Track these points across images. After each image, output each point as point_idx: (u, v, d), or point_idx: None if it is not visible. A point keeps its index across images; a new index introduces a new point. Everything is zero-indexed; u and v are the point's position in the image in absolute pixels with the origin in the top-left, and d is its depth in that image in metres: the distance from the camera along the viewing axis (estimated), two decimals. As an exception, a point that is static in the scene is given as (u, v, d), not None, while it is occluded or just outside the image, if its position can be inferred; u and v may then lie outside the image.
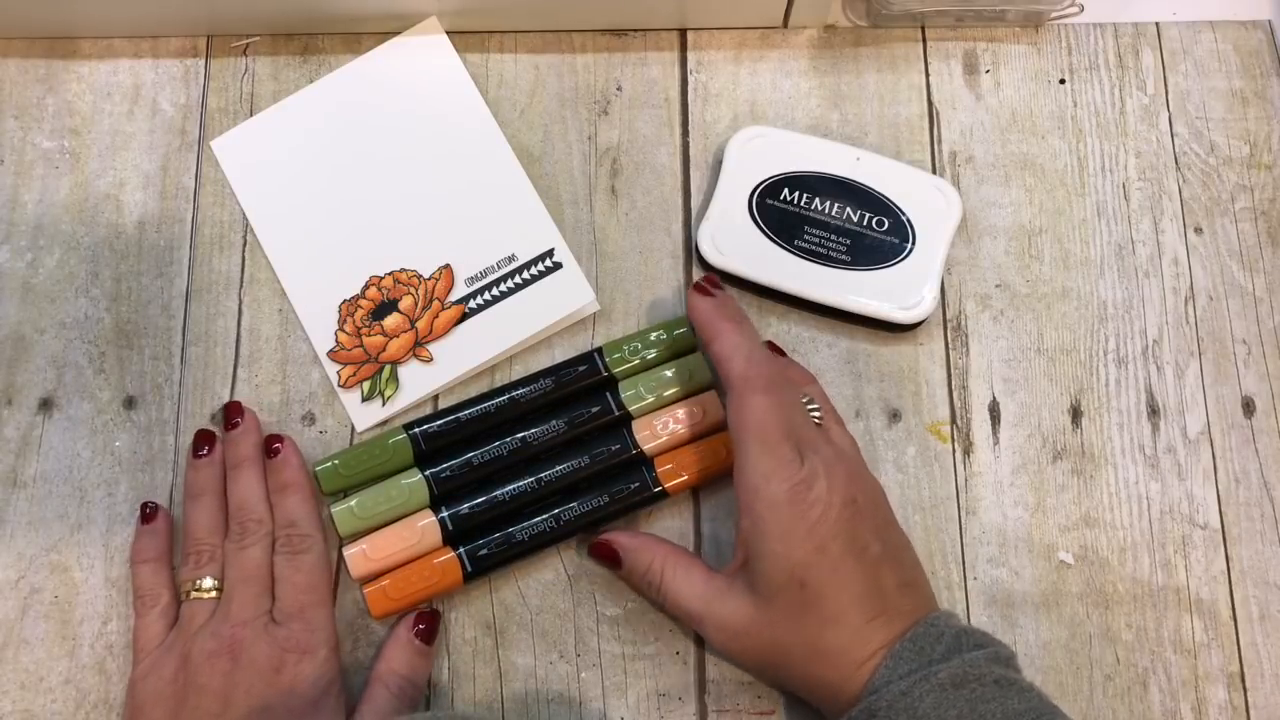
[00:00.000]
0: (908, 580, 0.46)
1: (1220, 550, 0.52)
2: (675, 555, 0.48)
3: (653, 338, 0.52)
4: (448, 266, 0.54)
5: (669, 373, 0.52)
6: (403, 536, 0.50)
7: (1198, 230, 0.56)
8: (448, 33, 0.58)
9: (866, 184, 0.55)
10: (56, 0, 0.56)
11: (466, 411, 0.52)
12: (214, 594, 0.48)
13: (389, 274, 0.55)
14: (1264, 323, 0.55)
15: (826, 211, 0.54)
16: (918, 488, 0.52)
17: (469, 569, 0.49)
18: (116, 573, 0.51)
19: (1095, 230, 0.56)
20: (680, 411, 0.51)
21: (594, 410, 0.51)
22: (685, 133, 0.58)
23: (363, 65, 0.58)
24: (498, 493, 0.50)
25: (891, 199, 0.55)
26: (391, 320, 0.54)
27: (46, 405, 0.53)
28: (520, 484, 0.50)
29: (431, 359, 0.53)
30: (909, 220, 0.54)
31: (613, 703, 0.49)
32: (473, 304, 0.54)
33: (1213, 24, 0.59)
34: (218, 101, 0.58)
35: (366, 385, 0.53)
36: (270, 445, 0.51)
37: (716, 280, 0.50)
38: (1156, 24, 0.59)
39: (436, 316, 0.54)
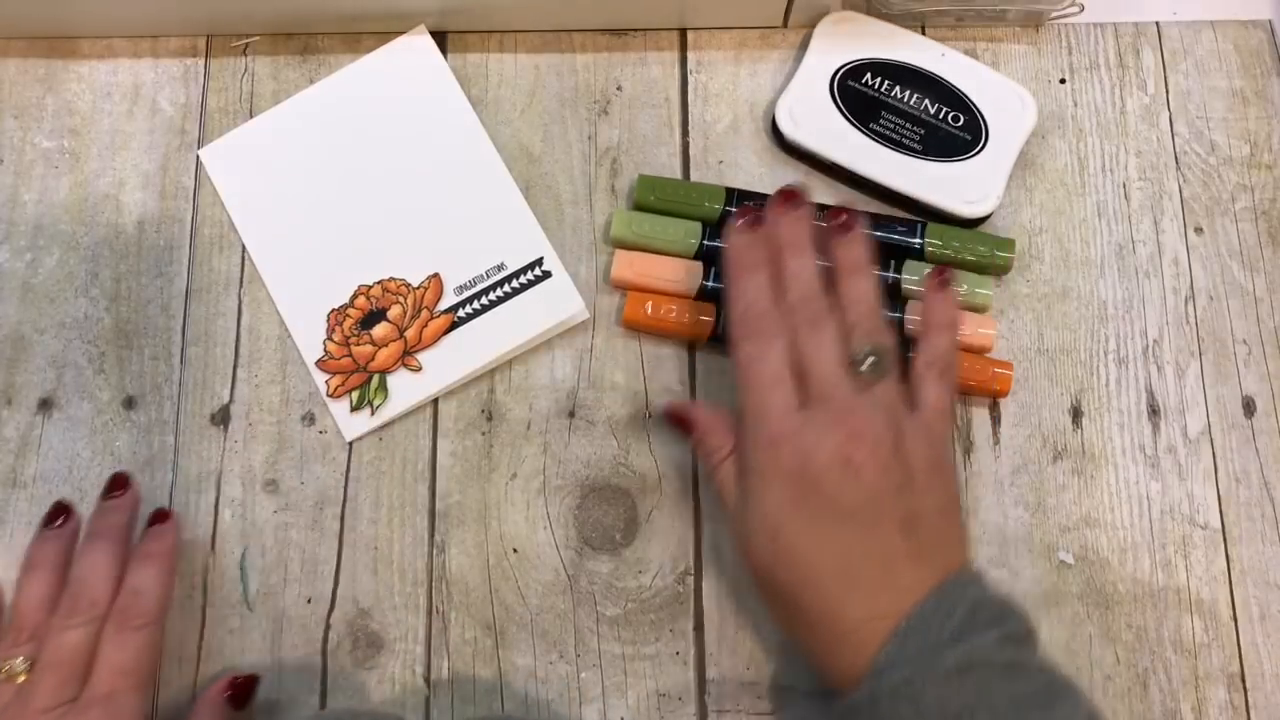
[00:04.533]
0: (919, 550, 0.43)
1: (1220, 550, 0.52)
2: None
3: (980, 248, 0.53)
4: (436, 275, 0.54)
5: (963, 285, 0.53)
6: (670, 268, 0.53)
7: (1198, 230, 0.56)
8: (448, 32, 0.58)
9: (948, 79, 0.56)
10: (56, 0, 0.56)
11: None
12: (24, 675, 0.44)
13: (377, 283, 0.54)
14: (1264, 323, 0.55)
15: (905, 100, 0.56)
16: (918, 488, 0.52)
17: (717, 334, 0.52)
18: (116, 573, 0.51)
19: (1095, 230, 0.56)
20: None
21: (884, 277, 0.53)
22: (685, 133, 0.57)
23: (349, 74, 0.58)
24: None
25: (970, 96, 0.56)
26: (380, 329, 0.54)
27: (46, 405, 0.53)
28: None
29: (420, 368, 0.53)
30: (984, 119, 0.55)
31: (613, 703, 0.49)
32: (462, 313, 0.54)
33: (1213, 23, 0.59)
34: (217, 101, 0.58)
35: (355, 395, 0.53)
36: (159, 514, 0.49)
37: (759, 213, 0.49)
38: (1157, 24, 0.59)
39: (425, 325, 0.54)
